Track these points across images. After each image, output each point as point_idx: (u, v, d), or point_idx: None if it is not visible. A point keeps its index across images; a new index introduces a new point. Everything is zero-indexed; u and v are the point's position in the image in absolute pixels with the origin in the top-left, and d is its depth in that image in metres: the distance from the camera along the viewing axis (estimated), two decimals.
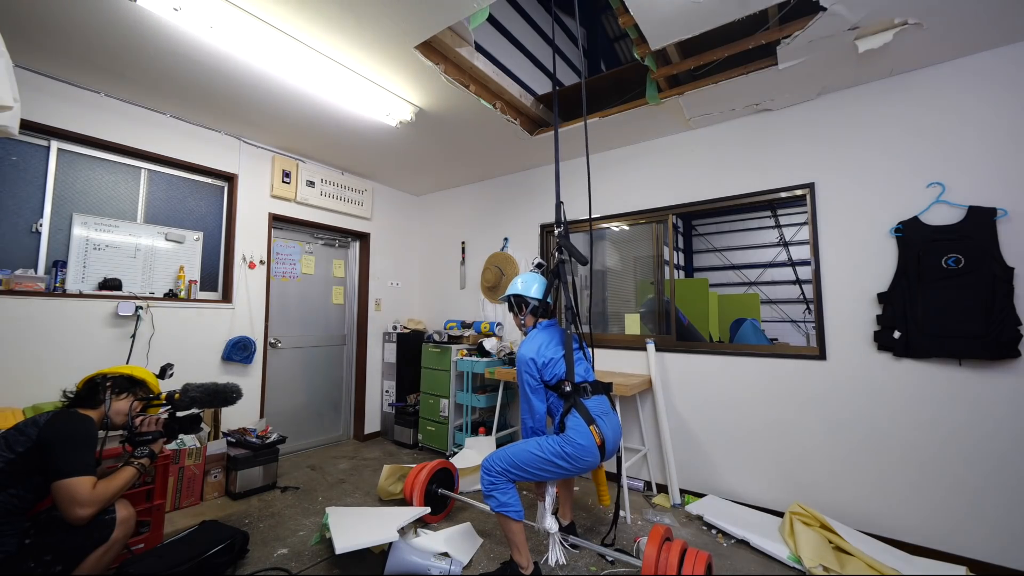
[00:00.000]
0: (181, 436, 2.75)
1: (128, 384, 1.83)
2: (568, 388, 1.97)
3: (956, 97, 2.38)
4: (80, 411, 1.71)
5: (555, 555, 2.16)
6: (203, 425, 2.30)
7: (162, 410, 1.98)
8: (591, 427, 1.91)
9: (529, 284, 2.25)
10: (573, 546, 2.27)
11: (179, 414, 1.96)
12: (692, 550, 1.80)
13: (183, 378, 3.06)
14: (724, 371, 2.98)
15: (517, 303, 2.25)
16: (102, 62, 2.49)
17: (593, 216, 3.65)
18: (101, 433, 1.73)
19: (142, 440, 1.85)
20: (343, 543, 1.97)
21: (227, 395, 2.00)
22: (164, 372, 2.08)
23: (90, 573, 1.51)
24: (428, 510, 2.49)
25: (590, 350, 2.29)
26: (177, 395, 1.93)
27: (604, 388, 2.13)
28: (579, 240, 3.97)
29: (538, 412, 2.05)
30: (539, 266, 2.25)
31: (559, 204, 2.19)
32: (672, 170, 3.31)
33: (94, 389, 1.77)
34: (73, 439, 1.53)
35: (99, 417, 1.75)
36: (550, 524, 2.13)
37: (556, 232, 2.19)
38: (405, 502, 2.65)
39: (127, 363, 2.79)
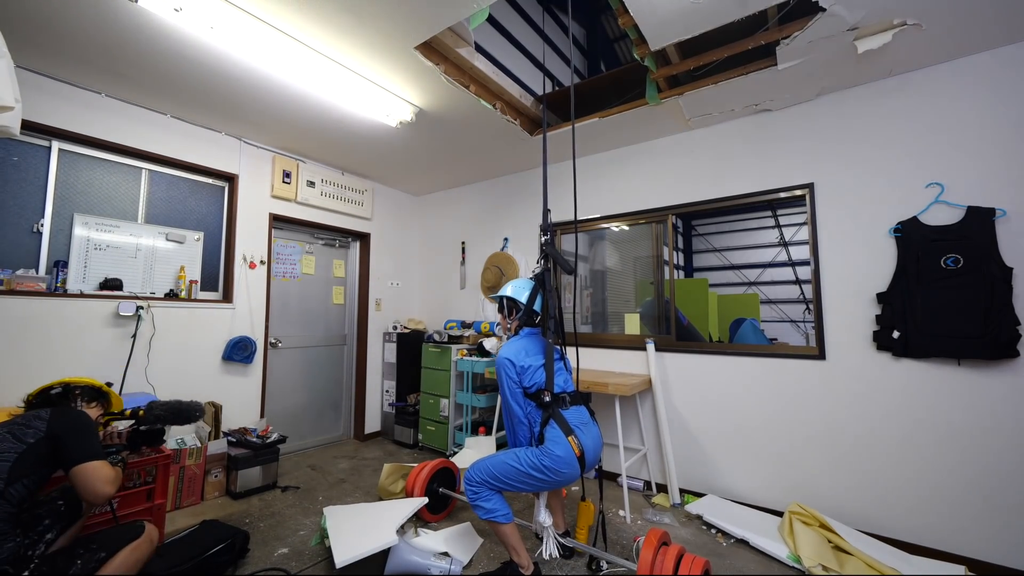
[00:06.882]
0: (181, 437, 2.85)
1: (97, 394, 1.88)
2: (547, 398, 1.97)
3: (955, 97, 2.38)
4: None
5: (548, 549, 2.17)
6: (165, 439, 2.46)
7: (127, 424, 2.08)
8: (569, 438, 1.92)
9: (522, 290, 2.25)
10: (568, 548, 2.27)
11: (142, 428, 2.06)
12: (689, 555, 1.79)
13: (184, 378, 3.10)
14: (724, 371, 2.98)
15: (508, 306, 2.26)
16: (103, 62, 2.49)
17: (593, 216, 3.66)
18: None
19: (107, 452, 1.88)
20: (342, 555, 1.94)
21: (190, 413, 2.12)
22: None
23: (123, 562, 1.62)
24: (426, 500, 2.49)
25: (572, 360, 2.28)
26: (141, 412, 2.05)
27: (584, 399, 2.13)
28: (585, 240, 3.98)
29: (517, 417, 2.05)
30: (536, 276, 2.27)
31: (546, 212, 2.21)
32: (672, 170, 3.31)
33: (64, 396, 1.81)
34: (85, 429, 1.63)
35: None
36: (543, 518, 2.15)
37: (542, 240, 2.21)
38: None
39: (127, 364, 2.81)
